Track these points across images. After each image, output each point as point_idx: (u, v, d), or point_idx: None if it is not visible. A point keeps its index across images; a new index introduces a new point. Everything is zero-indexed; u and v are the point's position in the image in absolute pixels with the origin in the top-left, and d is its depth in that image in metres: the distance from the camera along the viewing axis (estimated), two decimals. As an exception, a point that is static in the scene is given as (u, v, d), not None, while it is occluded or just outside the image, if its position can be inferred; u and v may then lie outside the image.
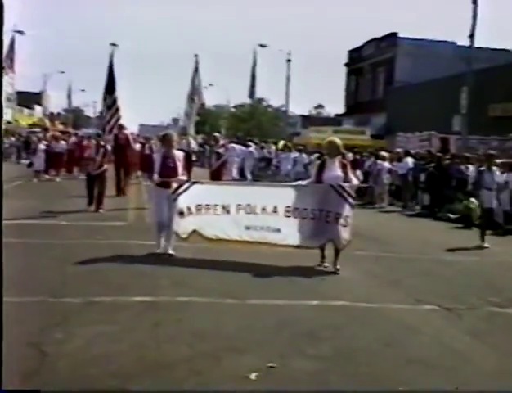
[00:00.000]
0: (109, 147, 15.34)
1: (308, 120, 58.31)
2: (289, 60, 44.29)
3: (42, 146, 24.37)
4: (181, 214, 9.07)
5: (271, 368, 4.89)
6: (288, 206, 9.01)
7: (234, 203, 9.10)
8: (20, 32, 42.37)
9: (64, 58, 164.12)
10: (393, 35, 43.45)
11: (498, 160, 14.30)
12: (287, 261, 8.91)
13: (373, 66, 46.46)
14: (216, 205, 9.12)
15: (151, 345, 5.32)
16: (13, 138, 40.15)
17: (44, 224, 11.81)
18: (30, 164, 24.65)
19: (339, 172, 8.79)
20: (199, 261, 8.76)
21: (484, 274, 9.44)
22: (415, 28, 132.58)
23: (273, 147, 30.82)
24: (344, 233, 8.70)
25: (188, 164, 20.73)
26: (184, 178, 9.39)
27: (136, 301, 6.59)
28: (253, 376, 4.69)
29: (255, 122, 55.48)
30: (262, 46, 43.24)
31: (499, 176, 13.05)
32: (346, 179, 8.79)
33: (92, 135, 20.39)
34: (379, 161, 20.08)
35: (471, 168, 17.47)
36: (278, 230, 9.06)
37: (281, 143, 30.67)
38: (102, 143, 14.86)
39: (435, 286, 8.25)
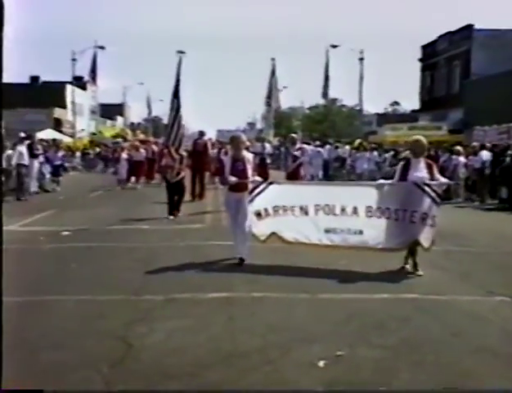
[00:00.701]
0: (184, 154, 15.39)
1: (384, 118, 57.69)
2: (361, 59, 44.10)
3: (124, 156, 25.18)
4: (259, 215, 8.82)
5: (339, 356, 5.13)
6: (369, 206, 8.57)
7: (312, 204, 8.75)
8: (102, 47, 43.95)
9: (142, 70, 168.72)
10: (468, 27, 42.38)
11: None
12: (369, 262, 8.62)
13: (448, 60, 45.48)
14: (293, 206, 8.81)
15: (226, 337, 5.66)
16: (98, 149, 41.89)
17: (126, 229, 12.44)
18: (115, 173, 25.91)
19: (424, 173, 8.35)
20: (272, 258, 8.95)
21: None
22: (490, 18, 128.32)
23: (347, 147, 30.85)
24: (431, 234, 8.30)
25: (264, 168, 21.01)
26: (259, 178, 9.09)
27: (213, 298, 6.97)
28: (321, 363, 4.96)
29: (329, 122, 55.34)
30: (334, 46, 43.23)
31: None
32: (432, 180, 8.35)
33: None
34: (454, 156, 19.80)
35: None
36: (360, 232, 8.62)
37: (357, 142, 30.68)
38: (180, 151, 14.84)
39: (507, 279, 8.22)
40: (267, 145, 21.10)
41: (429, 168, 8.43)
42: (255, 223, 8.83)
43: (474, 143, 22.07)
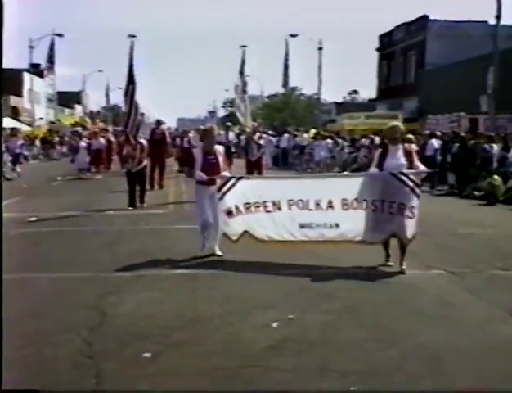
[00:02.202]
0: (144, 142, 14.86)
1: (342, 107, 58.85)
2: (320, 49, 44.92)
3: (83, 144, 24.93)
4: (230, 213, 8.46)
5: (290, 319, 5.91)
6: (345, 199, 8.26)
7: (285, 199, 8.40)
8: (60, 35, 43.84)
9: (101, 58, 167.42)
10: (424, 18, 43.63)
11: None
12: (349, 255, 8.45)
13: (404, 50, 46.76)
14: (265, 201, 8.44)
15: (190, 305, 6.40)
16: (57, 137, 41.96)
17: (92, 215, 13.06)
18: (73, 161, 25.59)
19: (402, 160, 8.03)
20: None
21: (495, 244, 10.16)
22: (445, 9, 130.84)
23: (305, 135, 31.74)
24: (410, 226, 7.97)
25: (228, 157, 21.40)
26: (227, 174, 8.85)
27: (177, 273, 7.72)
28: (274, 325, 5.72)
29: (290, 111, 56.14)
30: (293, 35, 44.01)
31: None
32: (411, 168, 8.04)
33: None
34: (406, 144, 20.62)
35: (495, 147, 18.12)
36: (337, 225, 8.33)
37: (312, 132, 31.55)
38: (139, 140, 14.44)
39: (446, 256, 9.07)
40: (231, 134, 21.56)
41: (408, 155, 8.13)
42: (226, 221, 8.50)
43: (425, 131, 23.09)
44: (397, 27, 48.24)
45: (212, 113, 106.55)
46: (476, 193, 17.18)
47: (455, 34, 39.88)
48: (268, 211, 8.45)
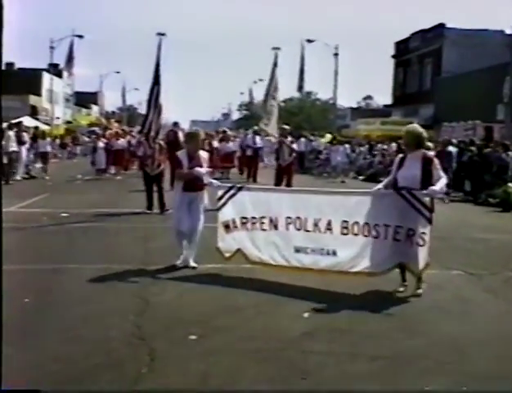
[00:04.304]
0: (163, 144, 14.40)
1: (357, 112, 59.31)
2: (336, 54, 45.34)
3: (101, 144, 24.96)
4: (227, 227, 8.09)
5: (320, 310, 6.40)
6: (345, 221, 7.43)
7: (283, 216, 7.80)
8: (80, 36, 44.51)
9: (119, 58, 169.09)
10: (440, 26, 43.96)
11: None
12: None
13: (420, 57, 47.14)
14: (263, 217, 7.92)
15: (226, 295, 6.90)
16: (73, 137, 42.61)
17: (120, 212, 13.55)
18: (93, 163, 25.12)
19: (416, 170, 7.08)
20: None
21: (511, 249, 10.61)
22: (462, 18, 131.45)
23: (322, 140, 32.20)
24: (421, 255, 7.03)
25: (255, 161, 21.16)
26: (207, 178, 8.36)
27: (209, 267, 8.18)
28: (306, 315, 6.22)
29: (305, 115, 56.64)
30: (310, 41, 44.29)
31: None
32: (429, 180, 7.01)
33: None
34: (426, 151, 20.80)
35: (511, 155, 18.51)
36: (334, 253, 7.51)
37: (328, 136, 31.98)
38: (158, 141, 13.93)
39: (464, 258, 9.50)
40: (258, 138, 21.13)
41: (427, 164, 7.12)
42: (222, 236, 8.12)
43: (441, 138, 23.44)
44: (414, 34, 48.65)
45: (226, 115, 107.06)
46: (491, 200, 17.55)
47: (472, 43, 40.19)
48: (264, 229, 7.92)
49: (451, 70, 40.41)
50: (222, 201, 8.11)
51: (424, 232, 6.96)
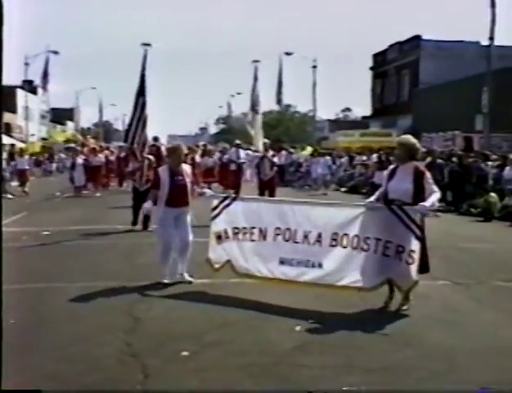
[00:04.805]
0: (152, 158, 14.00)
1: (336, 124, 59.71)
2: (314, 67, 45.75)
3: (80, 161, 24.33)
4: (219, 238, 8.04)
5: (311, 323, 6.43)
6: (335, 233, 7.31)
7: (273, 227, 7.74)
8: (55, 52, 44.39)
9: (95, 74, 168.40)
10: (417, 38, 44.66)
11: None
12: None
13: (397, 69, 47.77)
14: (253, 228, 7.88)
15: (215, 310, 6.91)
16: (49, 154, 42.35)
17: (101, 228, 13.49)
18: (72, 180, 24.38)
19: (408, 183, 6.97)
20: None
21: (497, 258, 10.73)
22: (438, 30, 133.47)
23: (302, 153, 32.39)
24: (410, 273, 6.83)
25: (238, 176, 21.06)
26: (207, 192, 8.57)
27: (197, 283, 8.17)
28: (297, 328, 6.27)
29: (283, 128, 56.88)
30: (288, 53, 44.46)
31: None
32: (421, 194, 6.89)
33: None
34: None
35: (490, 164, 18.79)
36: (319, 265, 7.38)
37: (309, 149, 32.15)
38: (146, 155, 13.72)
39: (450, 268, 9.58)
40: (242, 151, 20.99)
41: (418, 177, 6.99)
42: (213, 247, 8.07)
43: (422, 149, 23.65)
44: (391, 46, 49.33)
45: (203, 129, 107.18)
46: (472, 210, 17.74)
47: (448, 54, 40.93)
48: (253, 240, 7.88)
49: (429, 81, 40.97)
50: (217, 211, 8.06)
51: (413, 250, 6.79)
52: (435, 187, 7.06)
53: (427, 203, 6.79)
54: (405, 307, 7.01)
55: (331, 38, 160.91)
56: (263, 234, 7.79)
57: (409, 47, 45.75)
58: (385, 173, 7.54)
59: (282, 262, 7.61)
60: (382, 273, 7.02)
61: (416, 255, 6.78)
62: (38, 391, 4.34)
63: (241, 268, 7.95)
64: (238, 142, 20.14)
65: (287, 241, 7.62)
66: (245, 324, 6.42)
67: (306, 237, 7.48)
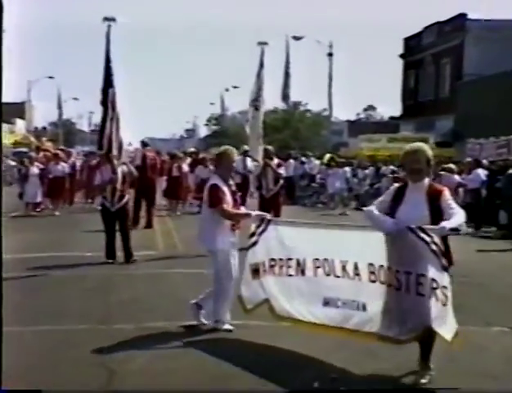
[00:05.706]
0: (126, 168, 13.60)
1: (357, 127, 59.84)
2: (330, 54, 45.48)
3: (35, 171, 23.74)
4: (256, 272, 7.99)
5: (333, 378, 6.46)
6: (371, 264, 6.97)
7: (310, 257, 7.58)
8: None
9: (53, 60, 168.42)
10: (461, 17, 44.20)
11: None
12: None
13: (436, 57, 47.68)
14: (290, 259, 7.77)
15: (210, 360, 6.95)
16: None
17: (67, 256, 13.50)
18: (21, 195, 23.70)
19: (422, 210, 6.54)
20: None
21: None
22: (487, 6, 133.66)
23: (316, 162, 32.29)
24: (449, 317, 6.31)
25: (245, 190, 20.93)
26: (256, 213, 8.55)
27: (185, 325, 8.21)
28: (315, 384, 6.31)
29: (291, 131, 56.86)
30: (297, 38, 43.34)
31: None
32: (437, 221, 6.36)
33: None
34: (443, 172, 19.98)
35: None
36: (364, 307, 7.08)
37: (327, 157, 32.02)
38: (124, 162, 13.46)
39: (508, 310, 9.62)
40: (249, 160, 20.42)
41: (434, 199, 6.57)
42: (248, 282, 8.05)
43: (469, 159, 23.52)
44: (428, 28, 49.08)
45: (190, 132, 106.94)
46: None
47: (501, 37, 40.64)
48: (290, 275, 7.77)
49: (476, 72, 40.58)
50: (254, 237, 8.01)
51: (445, 286, 6.25)
52: (458, 208, 6.58)
53: (448, 224, 6.25)
54: (424, 380, 6.52)
55: (351, 18, 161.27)
56: (301, 268, 7.67)
57: (451, 28, 45.54)
58: (388, 193, 7.01)
59: (327, 302, 7.43)
60: (419, 319, 6.50)
61: (449, 293, 6.23)
62: (38, 391, 4.84)
63: (281, 311, 7.86)
64: (246, 148, 19.46)
65: (328, 275, 7.43)
66: (247, 378, 6.48)
67: (344, 267, 7.24)
